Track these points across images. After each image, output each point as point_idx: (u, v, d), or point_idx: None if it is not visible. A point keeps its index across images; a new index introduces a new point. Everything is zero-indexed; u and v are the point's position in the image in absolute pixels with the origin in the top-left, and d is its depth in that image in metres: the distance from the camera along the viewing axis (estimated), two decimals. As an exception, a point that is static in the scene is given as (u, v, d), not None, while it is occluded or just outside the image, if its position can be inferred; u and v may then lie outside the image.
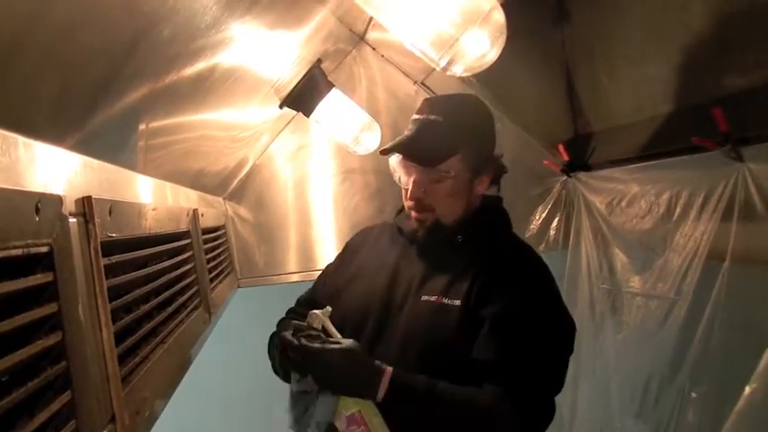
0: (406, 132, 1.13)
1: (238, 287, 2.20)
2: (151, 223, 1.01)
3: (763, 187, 1.26)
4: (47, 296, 0.58)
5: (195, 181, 1.58)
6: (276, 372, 1.13)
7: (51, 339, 0.57)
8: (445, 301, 1.06)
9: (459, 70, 1.09)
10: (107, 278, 0.74)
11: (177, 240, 1.24)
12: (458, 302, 1.05)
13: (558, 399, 1.05)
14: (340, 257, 1.35)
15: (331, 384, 0.96)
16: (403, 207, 1.21)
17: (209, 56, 0.95)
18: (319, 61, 1.72)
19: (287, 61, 1.51)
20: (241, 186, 2.21)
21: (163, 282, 1.07)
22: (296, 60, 1.57)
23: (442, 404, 0.96)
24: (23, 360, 0.52)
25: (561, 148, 2.00)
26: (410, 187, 1.12)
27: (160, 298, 1.05)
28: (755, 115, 1.25)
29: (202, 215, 1.52)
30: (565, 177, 2.09)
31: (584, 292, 1.97)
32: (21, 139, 0.59)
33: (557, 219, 2.17)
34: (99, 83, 0.71)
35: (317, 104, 1.78)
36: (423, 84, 2.16)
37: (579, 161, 1.97)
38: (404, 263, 1.17)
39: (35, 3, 0.50)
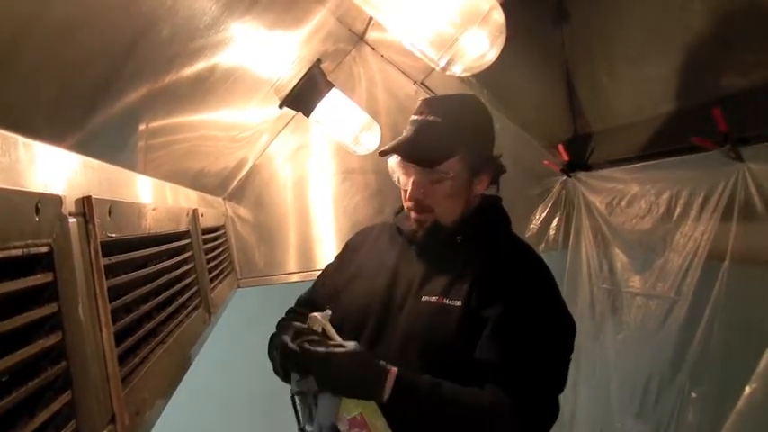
0: (405, 133, 1.12)
1: (238, 287, 2.20)
2: (151, 223, 1.01)
3: (763, 187, 1.26)
4: (47, 296, 0.58)
5: (195, 181, 1.58)
6: (277, 372, 1.13)
7: (51, 339, 0.57)
8: (446, 301, 1.06)
9: (458, 70, 1.09)
10: (107, 278, 0.74)
11: (177, 240, 1.24)
12: (459, 303, 1.05)
13: (559, 398, 1.05)
14: (339, 257, 1.35)
15: (338, 387, 0.95)
16: (402, 207, 1.21)
17: (209, 56, 0.95)
18: (319, 61, 1.72)
19: (286, 61, 1.51)
20: (241, 186, 2.21)
21: (163, 282, 1.07)
22: (295, 60, 1.58)
23: (446, 404, 0.96)
24: (24, 360, 0.52)
25: (561, 147, 2.00)
26: (409, 188, 1.12)
27: (160, 298, 1.05)
28: (755, 115, 1.25)
29: (202, 215, 1.52)
30: (565, 177, 2.09)
31: (585, 292, 1.97)
32: (21, 139, 0.59)
33: (557, 219, 2.17)
34: (99, 83, 0.71)
35: (316, 104, 1.78)
36: (422, 84, 2.16)
37: (579, 161, 1.97)
38: (403, 263, 1.17)
39: (35, 3, 0.50)
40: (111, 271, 0.77)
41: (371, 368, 0.96)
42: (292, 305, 1.36)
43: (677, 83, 1.48)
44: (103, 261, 0.73)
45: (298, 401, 1.04)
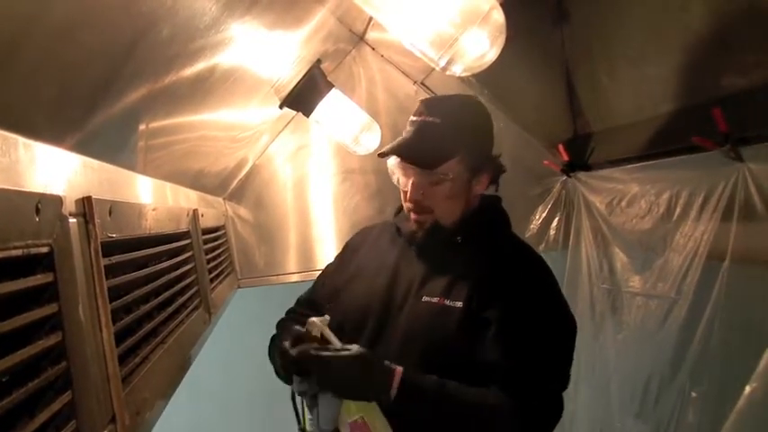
0: (404, 134, 1.12)
1: (238, 287, 2.20)
2: (151, 223, 1.01)
3: (763, 187, 1.26)
4: (47, 296, 0.58)
5: (195, 181, 1.58)
6: (278, 374, 1.13)
7: (52, 340, 0.57)
8: (447, 302, 1.06)
9: (458, 70, 1.09)
10: (107, 278, 0.74)
11: (177, 241, 1.24)
12: (459, 304, 1.05)
13: (563, 396, 1.05)
14: (340, 257, 1.35)
15: (345, 391, 0.95)
16: (402, 207, 1.21)
17: (209, 56, 0.95)
18: (319, 61, 1.72)
19: (286, 61, 1.51)
20: (241, 186, 2.21)
21: (163, 282, 1.07)
22: (295, 60, 1.58)
23: (450, 403, 0.96)
24: (24, 360, 0.52)
25: (561, 147, 2.00)
26: (408, 189, 1.12)
27: (160, 298, 1.05)
28: (755, 115, 1.25)
29: (202, 215, 1.52)
30: (565, 177, 2.09)
31: (585, 292, 1.97)
32: (21, 139, 0.59)
33: (557, 219, 2.18)
34: (99, 83, 0.71)
35: (316, 104, 1.78)
36: (422, 84, 2.16)
37: (579, 161, 1.97)
38: (403, 263, 1.17)
39: (35, 3, 0.50)
40: (111, 271, 0.77)
41: (377, 369, 0.95)
42: (292, 305, 1.36)
43: (677, 83, 1.49)
44: (104, 261, 0.73)
45: (298, 402, 1.04)
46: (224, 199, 2.19)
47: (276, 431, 1.55)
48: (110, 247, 0.77)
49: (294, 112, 1.89)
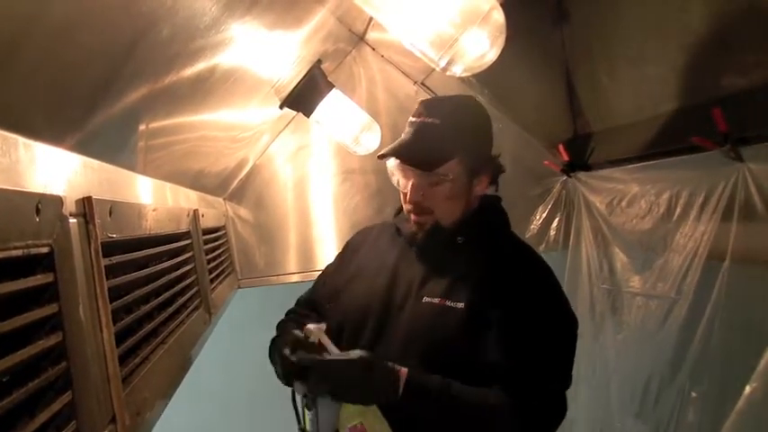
0: (403, 136, 1.12)
1: (239, 287, 2.20)
2: (151, 224, 1.01)
3: (763, 187, 1.26)
4: (47, 297, 0.58)
5: (195, 181, 1.58)
6: (279, 376, 1.13)
7: (52, 340, 0.57)
8: (448, 303, 1.06)
9: (458, 70, 1.09)
10: (107, 279, 0.74)
11: (177, 241, 1.24)
12: (461, 305, 1.05)
13: (566, 395, 1.05)
14: (340, 257, 1.35)
15: (352, 396, 0.94)
16: (401, 208, 1.21)
17: (209, 56, 0.95)
18: (319, 61, 1.72)
19: (287, 61, 1.51)
20: (241, 187, 2.22)
21: (163, 282, 1.07)
22: (296, 60, 1.58)
23: (455, 404, 0.96)
24: (24, 360, 0.52)
25: (561, 147, 2.00)
26: (408, 191, 1.12)
27: (160, 298, 1.05)
28: (755, 115, 1.25)
29: (203, 216, 1.52)
30: (565, 177, 2.09)
31: (585, 292, 1.97)
32: (21, 139, 0.59)
33: (557, 219, 2.18)
34: (99, 83, 0.71)
35: (317, 105, 1.78)
36: (423, 84, 2.16)
37: (579, 161, 1.97)
38: (403, 264, 1.17)
39: (35, 3, 0.50)
40: (111, 271, 0.77)
41: (382, 372, 0.95)
42: (292, 305, 1.36)
43: (677, 83, 1.49)
44: (104, 261, 0.73)
45: (299, 402, 1.04)
46: (224, 199, 2.19)
47: (276, 431, 1.55)
48: (110, 248, 0.77)
49: (294, 113, 1.90)
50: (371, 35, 2.12)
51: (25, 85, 0.57)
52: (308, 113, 1.80)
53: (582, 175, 1.98)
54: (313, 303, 1.30)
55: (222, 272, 1.83)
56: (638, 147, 1.66)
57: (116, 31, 0.65)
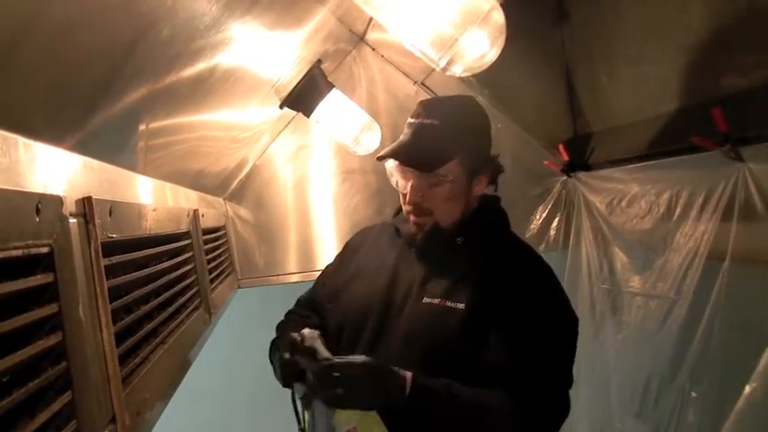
0: (402, 137, 1.12)
1: (239, 287, 2.20)
2: (151, 224, 1.01)
3: (763, 187, 1.26)
4: (47, 297, 0.58)
5: (195, 181, 1.58)
6: (277, 377, 1.13)
7: (52, 340, 0.57)
8: (449, 303, 1.06)
9: (458, 70, 1.09)
10: (107, 279, 0.74)
11: (177, 241, 1.24)
12: (462, 306, 1.05)
13: (569, 394, 1.06)
14: (339, 257, 1.35)
15: (360, 401, 0.94)
16: (400, 208, 1.21)
17: (209, 56, 0.95)
18: (319, 61, 1.72)
19: (287, 61, 1.51)
20: (241, 187, 2.22)
21: (163, 282, 1.07)
22: (296, 60, 1.58)
23: (458, 405, 0.96)
24: (24, 360, 0.52)
25: (561, 148, 2.00)
26: (408, 192, 1.12)
27: (160, 298, 1.05)
28: (755, 115, 1.25)
29: (203, 216, 1.52)
30: (565, 177, 2.09)
31: (585, 292, 1.97)
32: (21, 139, 0.59)
33: (557, 219, 2.18)
34: (99, 83, 0.71)
35: (317, 105, 1.78)
36: (423, 84, 2.16)
37: (579, 161, 1.97)
38: (403, 264, 1.17)
39: (35, 3, 0.50)
40: (111, 271, 0.77)
41: (389, 377, 0.95)
42: (292, 305, 1.36)
43: (677, 83, 1.49)
44: (104, 261, 0.73)
45: (299, 402, 1.04)
46: (224, 199, 2.19)
47: (276, 431, 1.55)
48: (110, 248, 0.77)
49: (294, 113, 1.90)
50: (371, 35, 2.12)
51: (25, 85, 0.57)
52: (307, 113, 1.80)
53: (582, 175, 1.98)
54: (313, 304, 1.30)
55: (222, 272, 1.83)
56: (638, 147, 1.66)
57: (116, 31, 0.65)
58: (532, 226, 2.20)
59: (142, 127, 0.94)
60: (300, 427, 1.10)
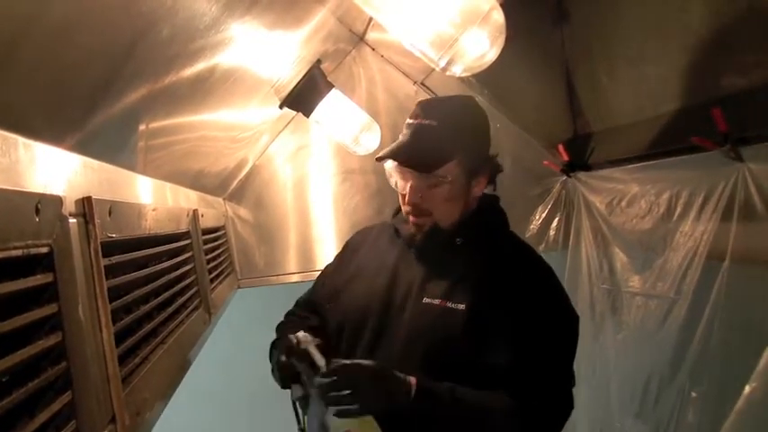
0: (401, 138, 1.11)
1: (238, 287, 2.20)
2: (151, 224, 1.01)
3: (763, 187, 1.26)
4: (47, 297, 0.58)
5: (195, 181, 1.58)
6: (276, 379, 1.13)
7: (51, 340, 0.57)
8: (449, 304, 1.06)
9: (458, 70, 1.09)
10: (107, 279, 0.74)
11: (177, 241, 1.24)
12: (462, 306, 1.04)
13: (572, 393, 1.06)
14: (339, 257, 1.35)
15: (361, 402, 0.93)
16: (399, 208, 1.20)
17: (209, 56, 0.95)
18: (319, 61, 1.72)
19: (286, 61, 1.51)
20: (241, 187, 2.21)
21: (163, 282, 1.07)
22: (295, 60, 1.58)
23: (464, 409, 0.96)
24: (24, 360, 0.52)
25: (561, 148, 2.00)
26: (407, 193, 1.11)
27: (160, 298, 1.05)
28: (755, 115, 1.25)
29: (202, 216, 1.52)
30: (565, 177, 2.09)
31: (585, 292, 1.97)
32: (21, 139, 0.59)
33: (557, 219, 2.18)
34: (98, 83, 0.71)
35: (316, 105, 1.78)
36: (422, 84, 2.16)
37: (579, 161, 1.97)
38: (403, 265, 1.17)
39: (35, 3, 0.50)
40: (111, 271, 0.77)
41: (392, 381, 0.95)
42: (292, 306, 1.36)
43: (677, 83, 1.49)
44: (104, 261, 0.73)
45: (298, 404, 1.05)
46: (224, 199, 2.19)
47: (276, 431, 1.55)
48: (110, 248, 0.77)
49: (294, 113, 1.90)
50: (371, 35, 2.12)
51: (25, 85, 0.57)
52: (307, 113, 1.80)
53: (582, 175, 1.98)
54: (313, 304, 1.30)
55: (222, 272, 1.83)
56: (638, 147, 1.66)
57: (116, 31, 0.65)
58: (532, 226, 2.20)
59: (142, 127, 0.94)
60: (300, 427, 1.10)
